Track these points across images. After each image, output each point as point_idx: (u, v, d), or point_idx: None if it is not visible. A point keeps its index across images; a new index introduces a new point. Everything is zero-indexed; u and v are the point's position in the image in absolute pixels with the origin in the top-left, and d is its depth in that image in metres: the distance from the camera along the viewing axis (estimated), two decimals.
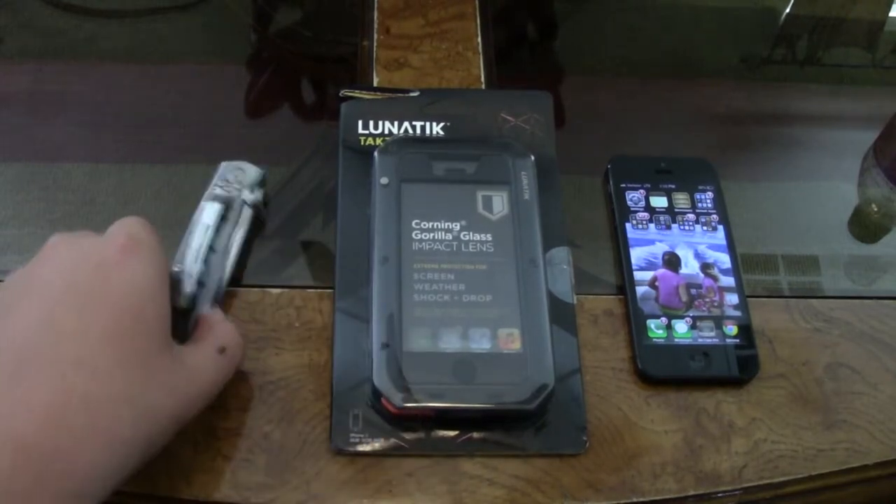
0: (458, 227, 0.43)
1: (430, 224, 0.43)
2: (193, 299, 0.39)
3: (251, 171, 0.45)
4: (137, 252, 0.34)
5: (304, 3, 0.64)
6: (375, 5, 0.57)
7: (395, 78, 0.53)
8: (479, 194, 0.44)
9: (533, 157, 0.46)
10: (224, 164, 0.45)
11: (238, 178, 0.45)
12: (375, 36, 0.56)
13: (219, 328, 0.38)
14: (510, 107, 0.50)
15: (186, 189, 0.49)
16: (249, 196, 0.45)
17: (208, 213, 0.42)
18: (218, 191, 0.44)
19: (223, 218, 0.43)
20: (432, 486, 0.38)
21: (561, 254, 0.44)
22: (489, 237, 0.43)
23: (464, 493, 0.38)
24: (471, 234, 0.43)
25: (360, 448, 0.38)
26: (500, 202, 0.44)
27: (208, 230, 0.42)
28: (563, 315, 0.42)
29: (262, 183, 0.46)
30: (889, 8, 0.67)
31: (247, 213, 0.44)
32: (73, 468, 0.29)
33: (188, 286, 0.39)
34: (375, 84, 0.53)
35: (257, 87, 0.57)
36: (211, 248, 0.41)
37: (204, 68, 0.58)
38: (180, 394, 0.34)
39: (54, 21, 0.59)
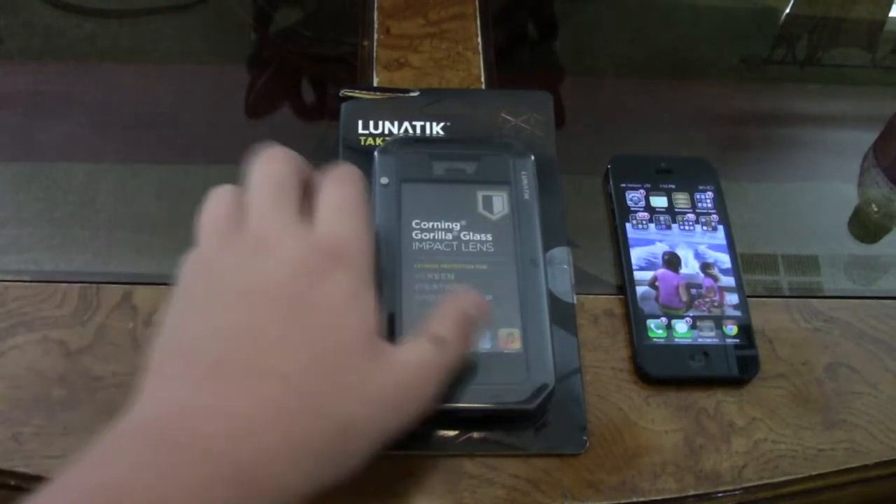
0: (458, 227, 0.43)
1: (431, 224, 0.43)
2: None
3: None
4: (345, 263, 0.33)
5: (304, 3, 0.64)
6: (375, 5, 0.57)
7: (395, 78, 0.53)
8: (480, 194, 0.44)
9: (533, 157, 0.46)
10: None
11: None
12: (375, 36, 0.56)
13: (436, 320, 0.34)
14: (510, 107, 0.50)
15: (186, 189, 0.49)
16: None
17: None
18: None
19: None
20: (432, 486, 0.38)
21: (561, 254, 0.44)
22: (489, 237, 0.43)
23: (464, 492, 0.38)
24: (471, 233, 0.43)
25: None
26: (500, 202, 0.44)
27: None
28: (563, 315, 0.42)
29: None
30: (889, 8, 0.67)
31: None
32: (261, 481, 0.28)
33: None
34: (376, 84, 0.53)
35: (257, 87, 0.57)
36: None
37: (204, 68, 0.58)
38: (385, 405, 0.31)
39: (54, 21, 0.59)
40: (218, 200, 0.35)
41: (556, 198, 0.46)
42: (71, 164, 0.50)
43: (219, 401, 0.28)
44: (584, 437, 0.40)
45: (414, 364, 0.33)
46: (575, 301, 0.43)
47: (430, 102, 0.50)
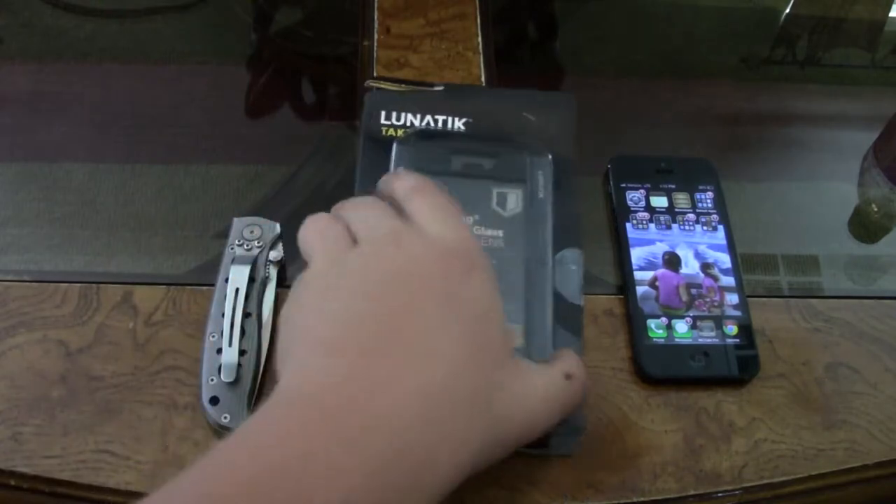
0: (470, 222, 0.42)
1: None
2: (238, 369, 0.39)
3: (269, 228, 0.44)
4: (479, 266, 0.33)
5: (304, 3, 0.64)
6: (375, 5, 0.57)
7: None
8: (495, 191, 0.44)
9: (550, 157, 0.46)
10: (237, 220, 0.44)
11: (255, 234, 0.44)
12: (375, 36, 0.56)
13: (564, 354, 0.36)
14: (533, 106, 0.49)
15: (186, 189, 0.49)
16: (273, 254, 0.43)
17: (237, 277, 0.41)
18: (239, 251, 0.43)
19: (250, 279, 0.42)
20: None
21: (572, 255, 0.44)
22: (500, 233, 0.42)
23: (464, 493, 0.38)
24: (483, 228, 0.42)
25: None
26: (514, 199, 0.44)
27: (239, 294, 0.41)
28: (569, 316, 0.42)
29: (280, 237, 0.44)
30: (889, 8, 0.67)
31: (272, 272, 0.43)
32: (431, 467, 0.27)
33: (230, 356, 0.39)
34: (375, 75, 0.52)
35: (257, 87, 0.57)
36: (246, 314, 0.41)
37: (204, 68, 0.58)
38: (529, 409, 0.32)
39: (54, 21, 0.59)
40: (317, 220, 0.34)
41: (571, 199, 0.46)
42: (71, 164, 0.50)
43: (381, 375, 0.28)
44: (580, 439, 0.39)
45: (554, 391, 0.33)
46: (582, 303, 0.43)
47: (454, 98, 0.49)
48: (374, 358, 0.28)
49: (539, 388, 0.33)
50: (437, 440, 0.28)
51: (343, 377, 0.28)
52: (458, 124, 0.48)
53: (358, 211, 0.35)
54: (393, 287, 0.31)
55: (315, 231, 0.34)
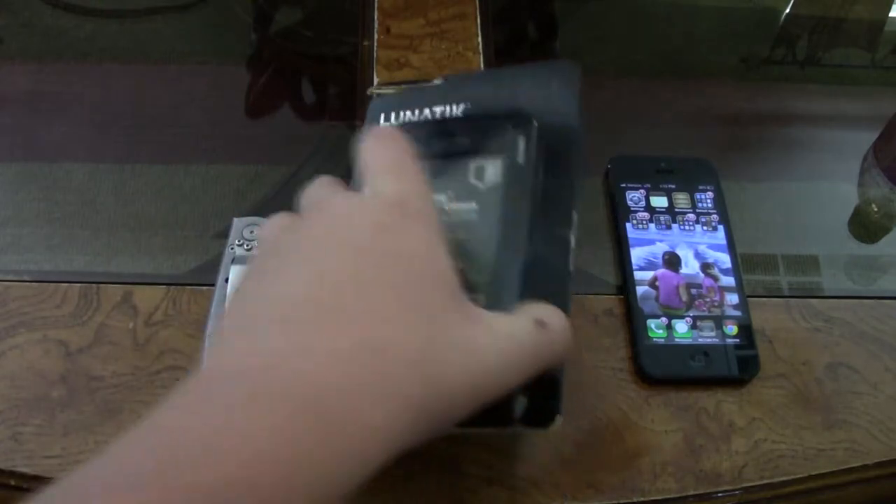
0: (444, 199, 0.41)
1: None
2: None
3: None
4: (417, 217, 0.31)
5: (304, 3, 0.64)
6: (375, 5, 0.57)
7: (395, 78, 0.53)
8: (472, 164, 0.41)
9: (536, 123, 0.42)
10: (237, 220, 0.44)
11: (255, 234, 0.44)
12: (375, 36, 0.56)
13: (539, 306, 0.32)
14: (533, 79, 0.45)
15: (186, 189, 0.49)
16: None
17: (237, 277, 0.41)
18: (239, 251, 0.43)
19: None
20: (432, 486, 0.38)
21: (562, 220, 0.40)
22: (474, 205, 0.40)
23: (464, 493, 0.38)
24: (457, 203, 0.40)
25: None
26: (493, 171, 0.41)
27: None
28: (553, 283, 0.38)
29: None
30: (889, 8, 0.67)
31: None
32: (357, 426, 0.26)
33: None
34: (376, 83, 0.53)
35: (257, 87, 0.57)
36: None
37: (204, 68, 0.58)
38: (479, 359, 0.29)
39: (54, 21, 0.59)
40: (273, 219, 0.34)
41: (578, 169, 0.42)
42: (71, 164, 0.50)
43: (310, 340, 0.27)
44: (558, 415, 0.34)
45: (519, 339, 0.30)
46: (572, 269, 0.39)
47: (451, 87, 0.48)
48: (292, 325, 0.27)
49: (499, 337, 0.30)
50: (364, 404, 0.26)
51: (254, 351, 0.27)
52: (457, 111, 0.47)
53: (305, 194, 0.34)
54: (317, 253, 0.29)
55: (264, 227, 0.34)
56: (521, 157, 0.41)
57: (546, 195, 0.40)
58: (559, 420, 0.34)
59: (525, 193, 0.39)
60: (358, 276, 0.28)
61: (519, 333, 0.30)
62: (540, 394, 0.34)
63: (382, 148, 0.34)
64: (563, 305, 0.38)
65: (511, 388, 0.30)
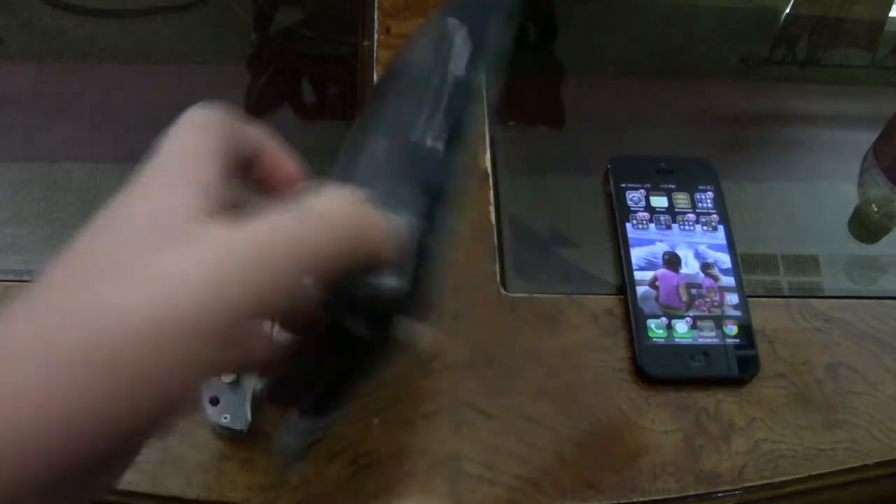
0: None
1: None
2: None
3: None
4: (191, 128, 0.27)
5: (304, 3, 0.64)
6: (375, 5, 0.57)
7: None
8: None
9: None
10: None
11: None
12: (375, 36, 0.56)
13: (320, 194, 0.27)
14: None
15: None
16: None
17: None
18: None
19: None
20: (432, 487, 0.38)
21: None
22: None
23: (464, 493, 0.38)
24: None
25: None
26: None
27: None
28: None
29: None
30: (889, 8, 0.67)
31: None
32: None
33: None
34: (376, 83, 0.53)
35: (257, 87, 0.57)
36: None
37: (204, 68, 0.58)
38: (201, 286, 0.23)
39: (54, 21, 0.59)
40: None
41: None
42: (71, 164, 0.50)
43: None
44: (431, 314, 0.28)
45: (259, 236, 0.25)
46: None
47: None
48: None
49: (239, 242, 0.25)
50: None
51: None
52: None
53: None
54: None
55: None
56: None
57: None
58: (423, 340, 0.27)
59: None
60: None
61: (259, 233, 0.25)
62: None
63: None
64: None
65: (278, 294, 0.25)
